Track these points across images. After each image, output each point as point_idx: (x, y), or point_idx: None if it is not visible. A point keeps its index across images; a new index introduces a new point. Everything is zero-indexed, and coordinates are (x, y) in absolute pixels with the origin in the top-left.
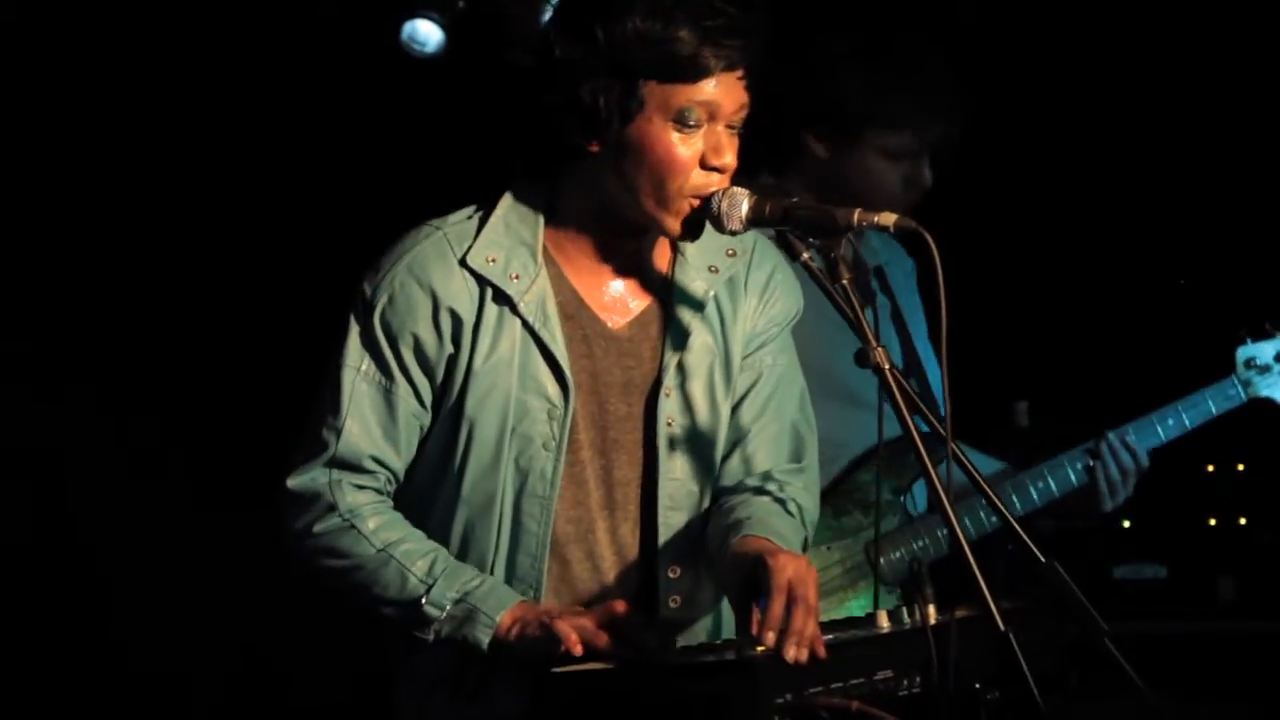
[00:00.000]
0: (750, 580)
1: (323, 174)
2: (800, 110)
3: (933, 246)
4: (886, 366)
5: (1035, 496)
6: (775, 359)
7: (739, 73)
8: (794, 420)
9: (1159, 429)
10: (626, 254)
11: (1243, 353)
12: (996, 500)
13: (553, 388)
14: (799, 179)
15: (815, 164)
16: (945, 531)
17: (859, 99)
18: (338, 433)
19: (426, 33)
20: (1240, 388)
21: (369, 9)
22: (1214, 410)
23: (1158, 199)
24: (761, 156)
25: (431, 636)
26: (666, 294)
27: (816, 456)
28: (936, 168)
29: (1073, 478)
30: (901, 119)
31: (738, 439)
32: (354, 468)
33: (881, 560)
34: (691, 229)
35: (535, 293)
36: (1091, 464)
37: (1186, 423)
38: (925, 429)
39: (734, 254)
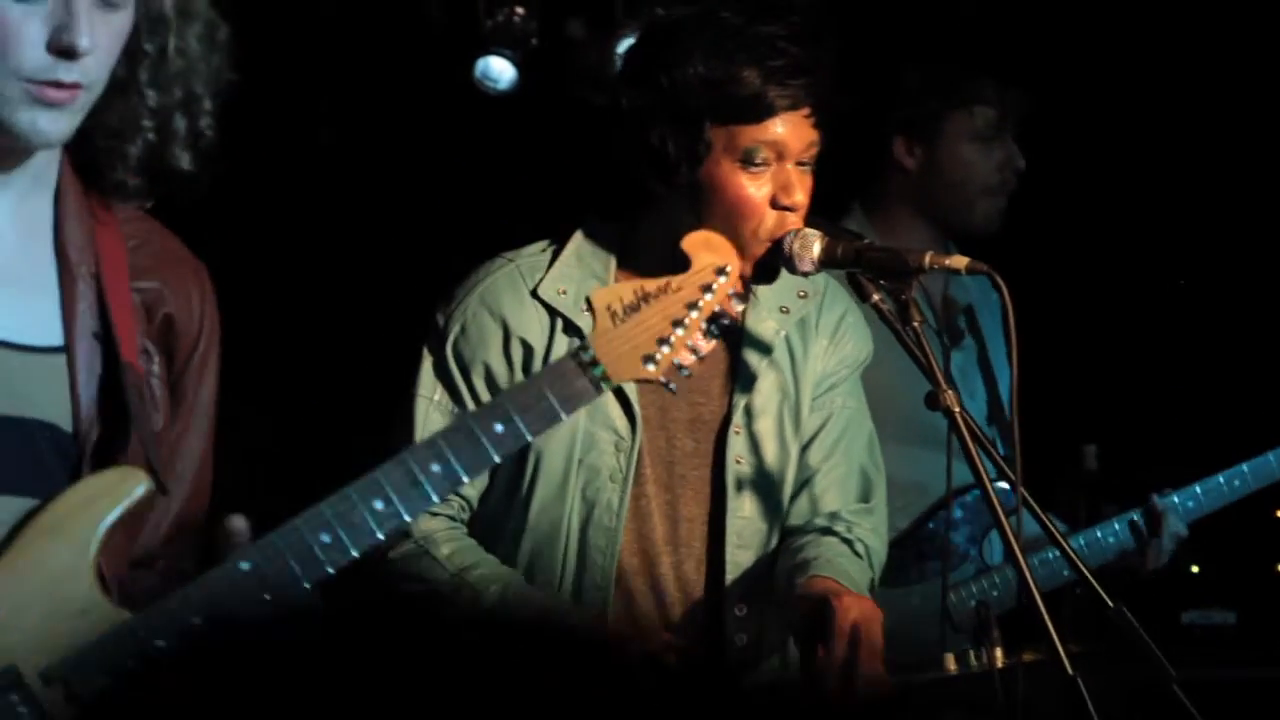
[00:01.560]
0: (816, 620)
1: (395, 208)
2: (878, 127)
3: (1003, 288)
4: (956, 409)
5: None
6: (845, 401)
7: (805, 110)
8: (862, 463)
9: (1225, 490)
10: None
11: None
12: (1065, 544)
13: (621, 421)
14: (897, 201)
15: (908, 179)
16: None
17: (934, 85)
18: None
19: (499, 70)
20: None
21: (443, 47)
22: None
23: (1240, 247)
24: (853, 189)
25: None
26: (736, 334)
27: (885, 499)
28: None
29: (1115, 541)
30: (979, 92)
31: (806, 479)
32: None
33: (955, 607)
34: (765, 273)
35: None
36: (1142, 530)
37: (1252, 483)
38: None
39: (805, 295)
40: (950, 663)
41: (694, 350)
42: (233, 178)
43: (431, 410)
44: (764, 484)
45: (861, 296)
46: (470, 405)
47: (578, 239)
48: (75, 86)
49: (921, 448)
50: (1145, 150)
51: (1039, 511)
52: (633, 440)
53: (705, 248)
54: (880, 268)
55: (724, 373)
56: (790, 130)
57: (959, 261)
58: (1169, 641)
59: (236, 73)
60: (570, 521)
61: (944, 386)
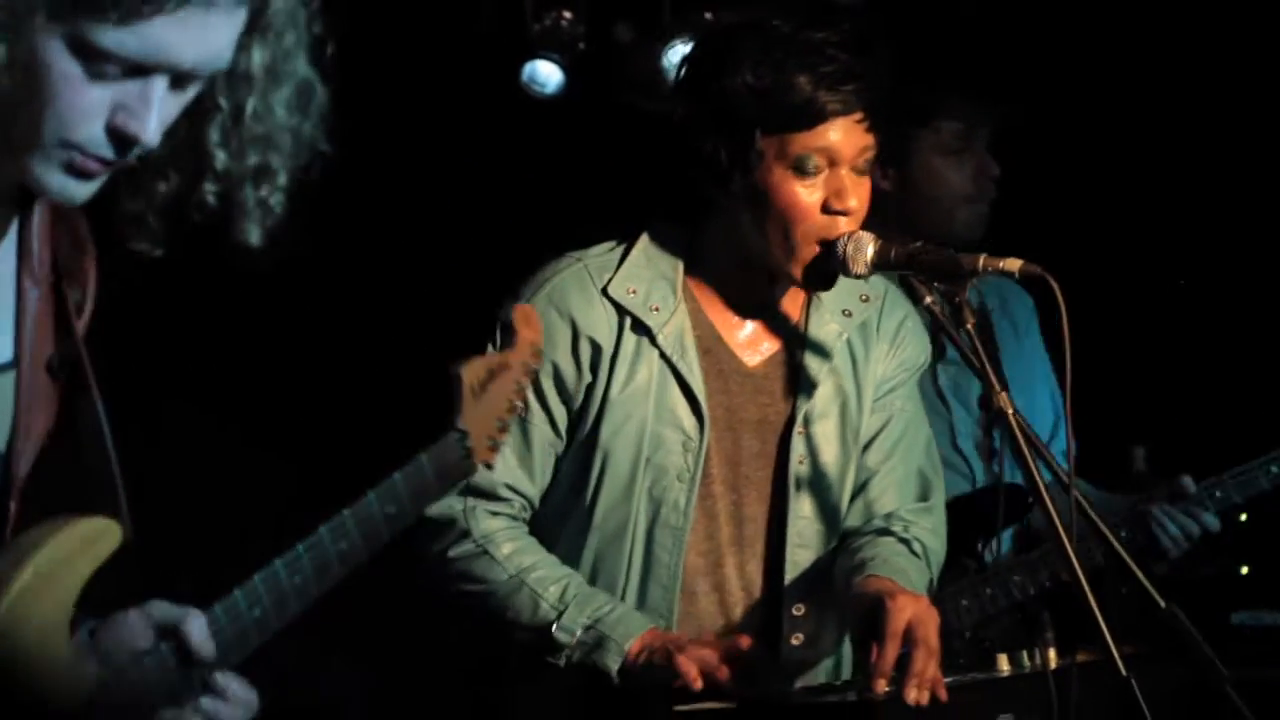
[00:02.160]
0: (871, 620)
1: (443, 214)
2: None
3: (1058, 291)
4: (1010, 411)
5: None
6: (904, 404)
7: (857, 116)
8: (920, 465)
9: (1262, 479)
10: (763, 296)
11: None
12: (1119, 545)
13: (689, 420)
14: (875, 220)
15: (888, 200)
16: (1018, 579)
17: (895, 111)
18: None
19: (547, 74)
20: None
21: (491, 51)
22: None
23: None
24: None
25: (563, 662)
26: (799, 337)
27: (943, 499)
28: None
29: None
30: (942, 108)
31: (865, 480)
32: (488, 495)
33: (950, 610)
34: (819, 276)
35: (674, 325)
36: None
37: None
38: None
39: (867, 299)
40: (1004, 663)
41: None
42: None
43: None
44: (824, 485)
45: (914, 299)
46: (535, 405)
47: (645, 240)
48: (120, 163)
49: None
50: (1180, 148)
51: (1092, 514)
52: (700, 440)
53: (526, 324)
54: (934, 270)
55: (787, 375)
56: (843, 136)
57: (1013, 264)
58: (1219, 642)
59: (333, 144)
60: (637, 521)
61: (998, 388)
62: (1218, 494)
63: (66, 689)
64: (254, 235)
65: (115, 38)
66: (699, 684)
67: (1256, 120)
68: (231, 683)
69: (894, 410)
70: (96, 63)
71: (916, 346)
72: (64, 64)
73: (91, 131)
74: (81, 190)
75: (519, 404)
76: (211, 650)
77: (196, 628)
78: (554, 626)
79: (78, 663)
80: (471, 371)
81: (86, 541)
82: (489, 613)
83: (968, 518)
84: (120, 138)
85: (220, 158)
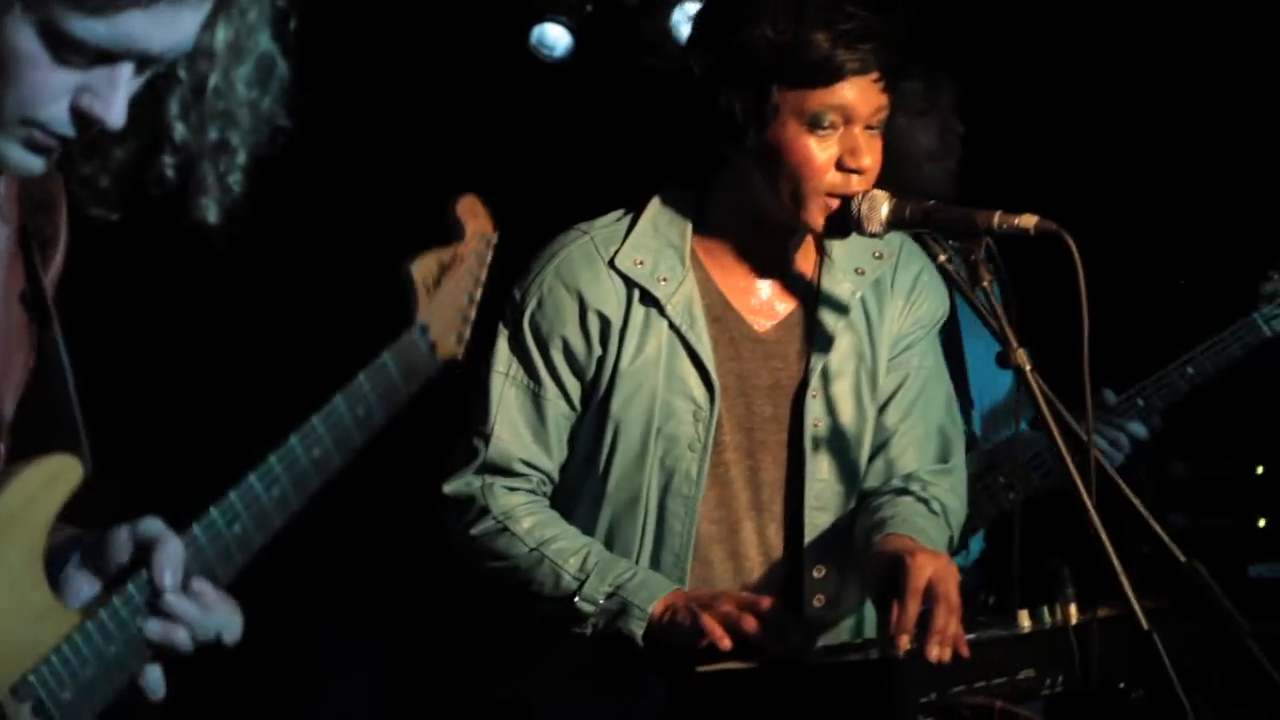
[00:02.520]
0: (891, 579)
1: (453, 181)
2: None
3: (1073, 247)
4: (1028, 368)
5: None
6: (921, 360)
7: (874, 75)
8: (940, 423)
9: (1179, 382)
10: (774, 257)
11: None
12: (1137, 502)
13: (699, 390)
14: None
15: None
16: (1038, 475)
17: None
18: (487, 438)
19: (555, 37)
20: (1264, 324)
21: (497, 15)
22: (1239, 352)
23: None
24: None
25: (589, 630)
26: (813, 297)
27: (963, 458)
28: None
29: None
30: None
31: (884, 440)
32: (505, 471)
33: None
34: (836, 226)
35: (682, 295)
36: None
37: (1209, 369)
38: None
39: (880, 256)
40: (1025, 619)
41: None
42: (284, 150)
43: (507, 385)
44: (841, 446)
45: (929, 256)
46: (546, 379)
47: (653, 207)
48: (79, 140)
49: None
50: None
51: (1111, 471)
52: (711, 409)
53: (472, 215)
54: (949, 228)
55: (801, 336)
56: (858, 94)
57: (1028, 220)
58: (1238, 595)
59: (292, 119)
60: (649, 491)
61: (1014, 346)
62: (1139, 402)
63: (47, 630)
64: (212, 213)
65: (87, 26)
66: (727, 641)
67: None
68: (206, 588)
69: (911, 368)
70: (65, 49)
71: (934, 301)
72: (31, 47)
73: (55, 111)
74: (38, 163)
75: (476, 294)
76: (172, 581)
77: (167, 551)
78: (576, 597)
79: (53, 604)
80: (423, 268)
81: (48, 480)
82: (513, 587)
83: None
84: (84, 119)
85: (179, 130)
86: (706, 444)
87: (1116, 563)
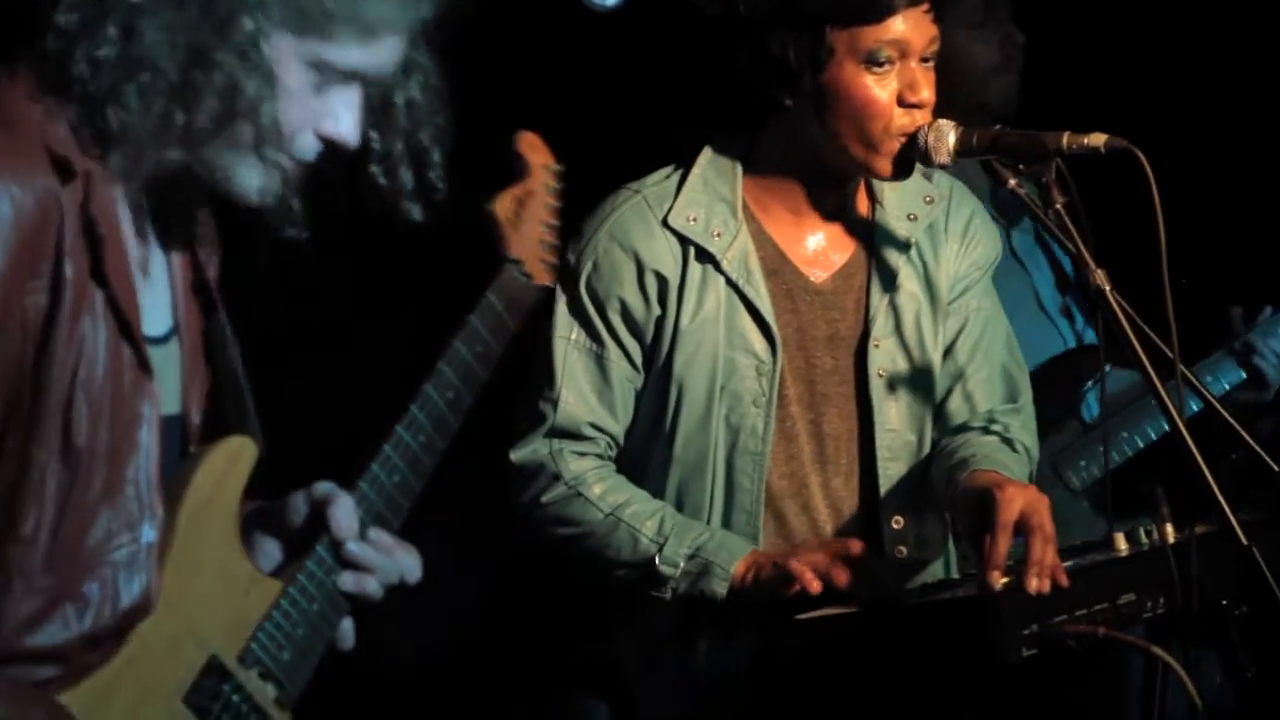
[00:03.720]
0: (982, 514)
1: (504, 133)
2: None
3: (1146, 166)
4: (1108, 288)
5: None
6: (980, 302)
7: (925, 6)
8: (1004, 362)
9: None
10: (827, 206)
11: None
12: (1228, 415)
13: (760, 343)
14: None
15: None
16: (1127, 434)
17: None
18: (554, 403)
19: None
20: None
21: None
22: None
23: None
24: None
25: (669, 594)
26: (868, 244)
27: (1031, 396)
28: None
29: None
30: None
31: (952, 384)
32: (574, 435)
33: (1070, 472)
34: (902, 167)
35: (737, 249)
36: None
37: None
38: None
39: (932, 200)
40: (1121, 542)
41: None
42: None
43: (570, 349)
44: (908, 394)
45: (999, 182)
46: (609, 341)
47: (703, 160)
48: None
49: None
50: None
51: (1201, 386)
52: (774, 363)
53: (532, 150)
54: (1017, 152)
55: (859, 286)
56: (911, 27)
57: (1098, 139)
58: None
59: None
60: (716, 449)
61: (1094, 267)
62: None
63: (255, 600)
64: (416, 212)
65: (354, 55)
66: (816, 585)
67: None
68: (383, 536)
69: (970, 310)
70: (330, 79)
71: (988, 243)
72: (298, 81)
73: (305, 140)
74: (276, 190)
75: (554, 222)
76: (350, 529)
77: (341, 505)
78: (657, 560)
79: (256, 575)
80: (503, 206)
81: (230, 460)
82: (588, 553)
83: (1065, 378)
84: (329, 143)
85: (378, 141)
86: (771, 398)
87: (1210, 478)
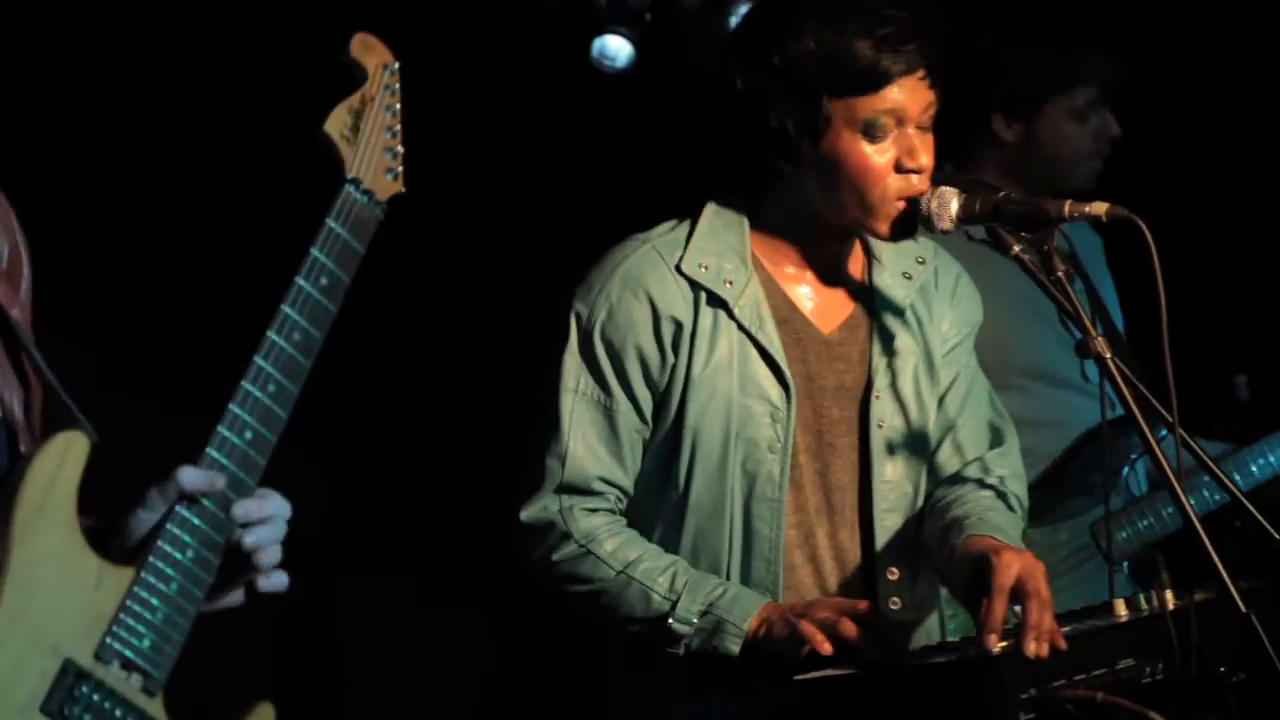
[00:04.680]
0: (979, 578)
1: (515, 192)
2: (980, 100)
3: (1147, 234)
4: (1108, 355)
5: (1256, 473)
6: (967, 359)
7: (920, 74)
8: (989, 417)
9: None
10: (828, 261)
11: None
12: (1225, 478)
13: (774, 390)
14: (990, 166)
15: (1004, 151)
16: (1170, 510)
17: (1036, 70)
18: (562, 458)
19: (616, 48)
20: None
21: (559, 27)
22: None
23: None
24: (945, 151)
25: (682, 650)
26: (868, 299)
27: (1017, 444)
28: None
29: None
30: (1081, 74)
31: (944, 434)
32: (583, 491)
33: (1112, 543)
34: (903, 228)
35: (749, 297)
36: None
37: None
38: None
39: (924, 261)
40: (1121, 608)
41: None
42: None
43: (578, 401)
44: (905, 447)
45: (1002, 249)
46: (618, 392)
47: (709, 214)
48: None
49: (1055, 387)
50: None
51: (1200, 451)
52: (788, 409)
53: (367, 51)
54: (1020, 219)
55: (862, 338)
56: (907, 95)
57: (1099, 208)
58: None
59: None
60: (733, 497)
61: (1094, 334)
62: None
63: (107, 593)
64: None
65: None
66: (828, 646)
67: None
68: (245, 490)
69: (960, 366)
70: None
71: (972, 303)
72: None
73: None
74: None
75: (396, 126)
76: (199, 480)
77: (184, 471)
78: (670, 618)
79: (104, 568)
80: (336, 122)
81: (59, 459)
82: (600, 610)
83: (1111, 447)
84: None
85: None
86: (787, 444)
87: (1209, 545)
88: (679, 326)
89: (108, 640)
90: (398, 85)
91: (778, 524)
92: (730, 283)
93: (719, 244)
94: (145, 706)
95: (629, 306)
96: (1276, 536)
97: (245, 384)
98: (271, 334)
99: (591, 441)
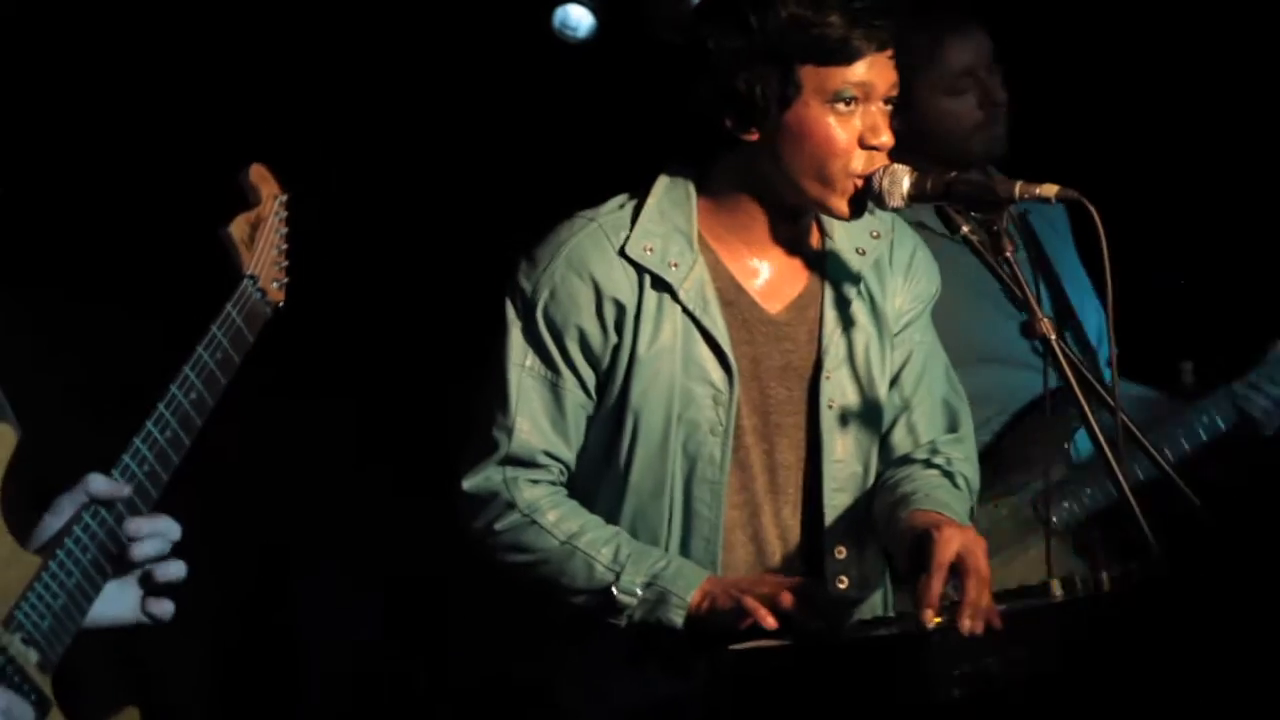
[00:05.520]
0: (920, 553)
1: (475, 164)
2: None
3: (1095, 216)
4: (1052, 337)
5: (1185, 444)
6: (922, 336)
7: (889, 52)
8: (944, 394)
9: None
10: (780, 238)
11: None
12: (1171, 471)
13: (717, 373)
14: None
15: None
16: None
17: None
18: (509, 431)
19: (578, 18)
20: None
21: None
22: None
23: None
24: None
25: (624, 622)
26: (820, 277)
27: (971, 427)
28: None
29: (1220, 422)
30: (937, 50)
31: (897, 414)
32: (527, 464)
33: (1055, 513)
34: (856, 207)
35: (694, 279)
36: (1240, 399)
37: None
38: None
39: (878, 235)
40: (1056, 588)
41: None
42: (316, 138)
43: (525, 377)
44: (856, 426)
45: (950, 229)
46: (564, 369)
47: (658, 191)
48: None
49: (998, 366)
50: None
51: (1140, 436)
52: (730, 392)
53: (262, 180)
54: (970, 199)
55: (812, 318)
56: (876, 71)
57: (1049, 190)
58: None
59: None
60: (674, 478)
61: (1039, 314)
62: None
63: (15, 574)
64: None
65: None
66: (771, 620)
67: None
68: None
69: (914, 344)
70: None
71: (928, 278)
72: None
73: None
74: None
75: (285, 248)
76: (106, 487)
77: (94, 478)
78: (613, 588)
79: (17, 551)
80: (238, 228)
81: None
82: (543, 581)
83: (1054, 418)
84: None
85: None
86: (728, 427)
87: (1148, 531)
88: (622, 308)
89: (16, 613)
90: (288, 215)
91: (718, 505)
92: (675, 265)
93: (666, 225)
94: (39, 682)
95: (572, 287)
96: (1210, 523)
97: (149, 424)
98: (173, 388)
99: (537, 416)
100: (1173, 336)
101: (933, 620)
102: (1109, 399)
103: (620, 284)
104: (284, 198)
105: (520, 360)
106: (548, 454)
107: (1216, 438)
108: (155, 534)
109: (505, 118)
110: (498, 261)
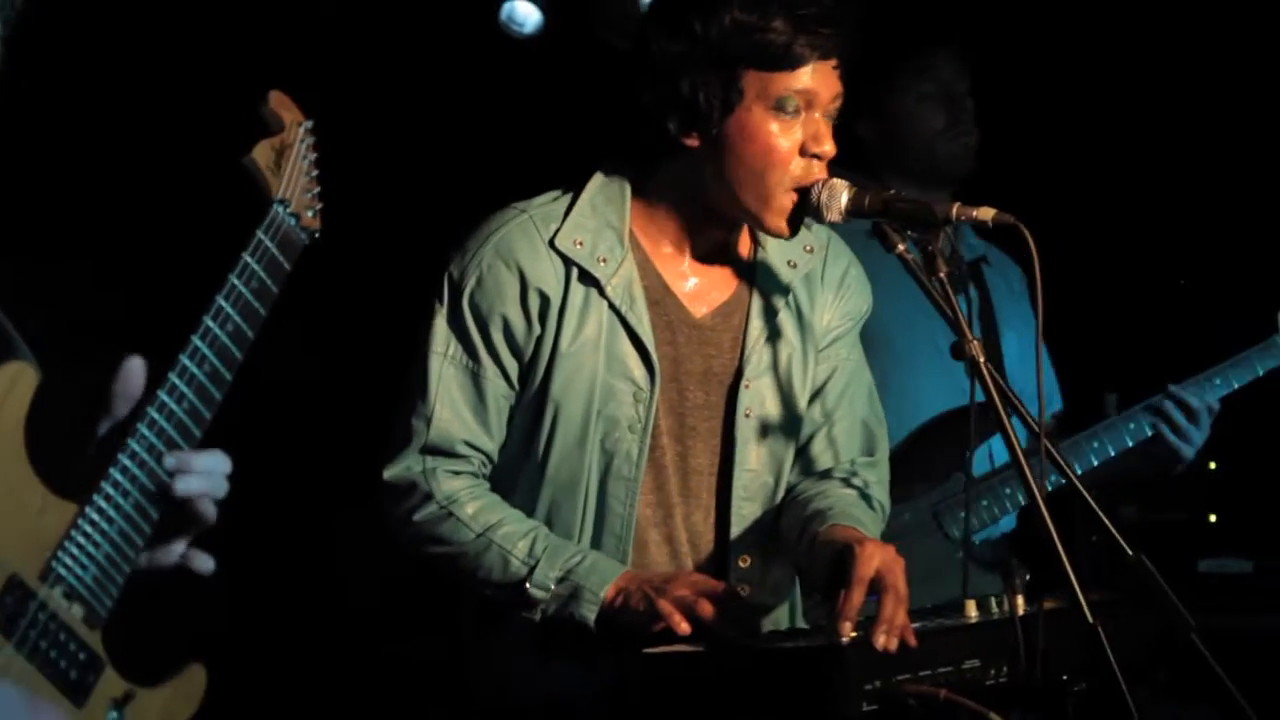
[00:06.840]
0: (839, 567)
1: (419, 155)
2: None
3: (1030, 240)
4: (981, 359)
5: (1093, 459)
6: (849, 353)
7: (833, 62)
8: (864, 416)
9: (1208, 390)
10: (712, 245)
11: None
12: (1088, 496)
13: (639, 370)
14: (863, 171)
15: (865, 148)
16: (1009, 490)
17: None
18: (428, 420)
19: (525, 13)
20: None
21: None
22: (1259, 370)
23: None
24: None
25: (538, 616)
26: (749, 286)
27: (887, 451)
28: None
29: (1127, 438)
30: (924, 64)
31: (814, 431)
32: (447, 454)
33: (949, 520)
34: (794, 217)
35: (622, 276)
36: (1155, 420)
37: (1234, 383)
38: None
39: (811, 250)
40: (972, 609)
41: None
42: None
43: (446, 365)
44: (771, 437)
45: (886, 246)
46: (486, 359)
47: (593, 186)
48: None
49: (914, 375)
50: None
51: (1061, 460)
52: (651, 391)
53: (284, 108)
54: (907, 218)
55: (737, 325)
56: (821, 80)
57: (986, 213)
58: (1185, 590)
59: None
60: (590, 473)
61: (969, 337)
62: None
63: (50, 522)
64: None
65: None
66: (685, 626)
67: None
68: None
69: (839, 361)
70: None
71: (860, 296)
72: None
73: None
74: None
75: (315, 172)
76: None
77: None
78: (527, 582)
79: (50, 498)
80: (261, 155)
81: (6, 388)
82: (459, 573)
83: (956, 432)
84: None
85: None
86: (647, 425)
87: (1063, 554)
88: (546, 300)
89: (53, 565)
90: (313, 141)
91: (631, 502)
92: (604, 260)
93: (598, 220)
94: (86, 638)
95: (498, 275)
96: (1129, 552)
97: (184, 358)
98: (206, 319)
99: (458, 405)
100: (1098, 368)
101: (849, 634)
102: (1034, 426)
103: (546, 275)
104: (308, 124)
105: (443, 349)
106: (468, 444)
107: (1139, 444)
108: (201, 469)
109: (450, 111)
110: (436, 251)
